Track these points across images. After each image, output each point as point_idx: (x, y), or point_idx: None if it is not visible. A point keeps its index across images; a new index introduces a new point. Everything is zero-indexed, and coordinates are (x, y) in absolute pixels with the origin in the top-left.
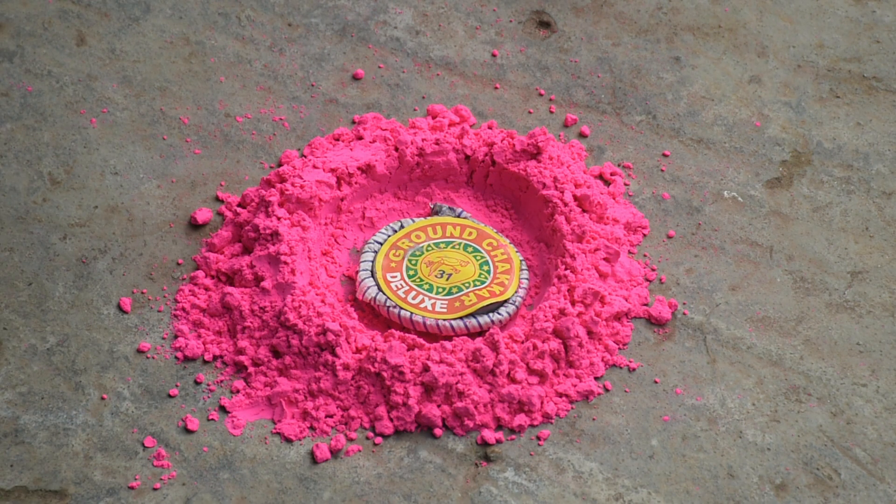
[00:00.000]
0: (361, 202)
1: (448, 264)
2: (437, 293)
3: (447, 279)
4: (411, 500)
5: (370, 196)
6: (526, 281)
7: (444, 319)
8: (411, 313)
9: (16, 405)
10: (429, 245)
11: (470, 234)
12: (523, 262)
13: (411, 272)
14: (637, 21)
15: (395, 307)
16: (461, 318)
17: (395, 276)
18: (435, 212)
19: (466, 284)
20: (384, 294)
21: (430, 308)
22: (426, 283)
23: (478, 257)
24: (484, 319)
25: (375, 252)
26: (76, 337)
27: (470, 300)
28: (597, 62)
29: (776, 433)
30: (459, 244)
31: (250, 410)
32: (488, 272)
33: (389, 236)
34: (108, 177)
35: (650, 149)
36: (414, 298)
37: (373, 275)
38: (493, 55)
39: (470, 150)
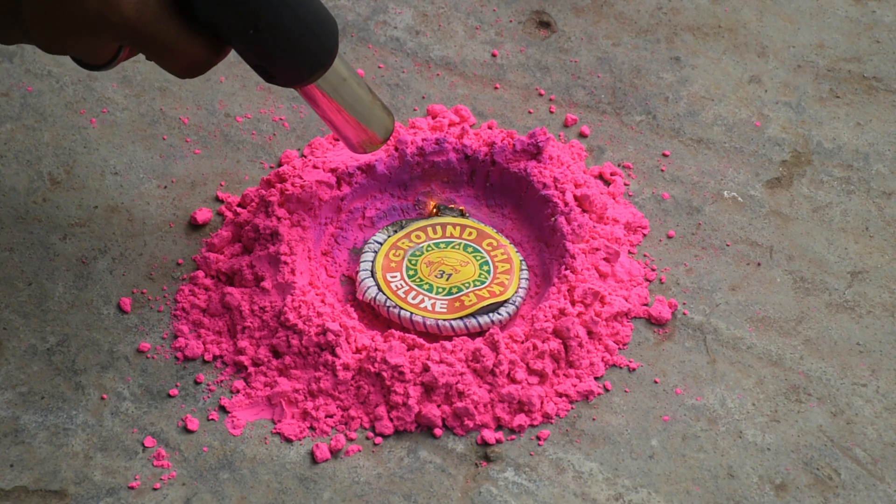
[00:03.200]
0: (361, 202)
1: (448, 264)
2: (437, 293)
3: (447, 279)
4: (411, 500)
5: (370, 196)
6: (526, 281)
7: (444, 319)
8: (411, 313)
9: (16, 405)
10: (429, 245)
11: (470, 234)
12: (523, 262)
13: (411, 272)
14: (637, 21)
15: (395, 307)
16: (461, 318)
17: (395, 276)
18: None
19: (466, 284)
20: (384, 294)
21: (430, 308)
22: (426, 283)
23: (478, 257)
24: (484, 319)
25: (375, 252)
26: (76, 337)
27: (470, 300)
28: (597, 62)
29: (776, 433)
30: (459, 244)
31: (250, 410)
32: (488, 272)
33: (389, 236)
34: (108, 177)
35: (650, 149)
36: (414, 298)
37: (373, 275)
38: (493, 55)
39: (470, 150)
